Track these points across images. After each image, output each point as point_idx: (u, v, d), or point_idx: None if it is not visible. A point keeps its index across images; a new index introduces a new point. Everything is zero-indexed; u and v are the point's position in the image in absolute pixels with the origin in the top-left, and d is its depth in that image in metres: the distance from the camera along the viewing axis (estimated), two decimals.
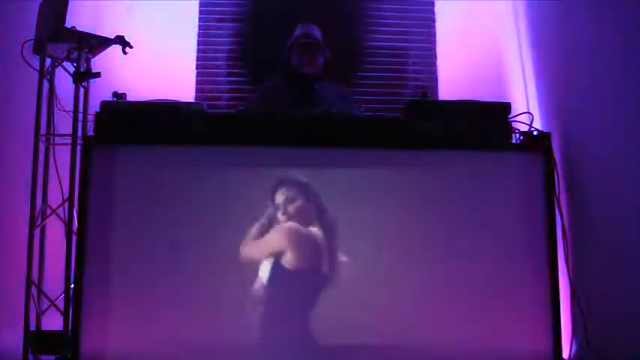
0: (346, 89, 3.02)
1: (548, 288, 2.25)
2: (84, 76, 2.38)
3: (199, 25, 3.40)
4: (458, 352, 2.21)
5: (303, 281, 2.22)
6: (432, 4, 3.51)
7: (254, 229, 2.20)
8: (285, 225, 2.21)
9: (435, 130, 2.30)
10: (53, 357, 2.25)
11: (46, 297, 2.35)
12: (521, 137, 2.37)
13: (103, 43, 2.42)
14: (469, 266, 2.25)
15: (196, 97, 3.29)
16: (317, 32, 2.88)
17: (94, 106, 2.31)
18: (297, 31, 2.88)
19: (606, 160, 2.25)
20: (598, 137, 2.31)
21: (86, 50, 2.39)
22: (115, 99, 2.31)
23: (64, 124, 2.41)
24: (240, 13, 3.44)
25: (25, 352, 2.26)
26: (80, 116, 2.38)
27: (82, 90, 2.42)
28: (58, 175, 2.39)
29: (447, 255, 2.26)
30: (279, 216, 2.22)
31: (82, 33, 2.37)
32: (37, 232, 2.37)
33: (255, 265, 2.20)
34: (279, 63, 2.93)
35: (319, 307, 2.21)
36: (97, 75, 2.41)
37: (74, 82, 2.37)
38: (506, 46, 3.28)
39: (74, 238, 2.24)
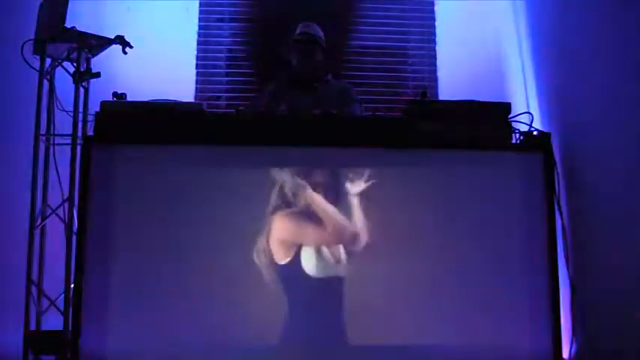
0: (350, 87, 3.03)
1: (548, 288, 2.25)
2: (84, 76, 2.38)
3: (199, 25, 3.40)
4: (458, 352, 2.21)
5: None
6: (432, 4, 3.51)
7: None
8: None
9: (435, 130, 2.30)
10: (53, 357, 2.25)
11: (46, 297, 2.35)
12: (521, 137, 2.37)
13: (103, 43, 2.42)
14: (469, 266, 2.25)
15: (196, 97, 3.29)
16: (317, 31, 2.88)
17: (94, 106, 2.32)
18: (297, 30, 2.89)
19: (606, 160, 2.25)
20: (598, 137, 2.31)
21: (86, 50, 2.39)
22: (115, 99, 2.31)
23: (64, 124, 2.41)
24: (240, 12, 3.44)
25: (25, 352, 2.26)
26: (80, 116, 2.37)
27: (82, 90, 2.42)
28: (58, 175, 2.38)
29: (447, 254, 2.26)
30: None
31: (82, 33, 2.36)
32: (37, 232, 2.37)
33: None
34: (282, 63, 2.94)
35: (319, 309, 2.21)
36: (97, 75, 2.41)
37: (74, 82, 2.37)
38: (507, 46, 3.28)
39: (74, 238, 2.24)
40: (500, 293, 2.25)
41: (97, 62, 2.49)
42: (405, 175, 2.30)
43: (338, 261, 2.23)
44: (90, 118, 2.35)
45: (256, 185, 2.25)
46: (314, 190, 2.25)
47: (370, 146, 2.29)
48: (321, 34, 2.88)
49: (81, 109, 2.40)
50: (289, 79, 2.86)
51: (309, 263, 2.22)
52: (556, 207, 2.31)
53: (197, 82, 3.34)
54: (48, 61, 2.43)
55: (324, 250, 2.23)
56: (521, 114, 2.40)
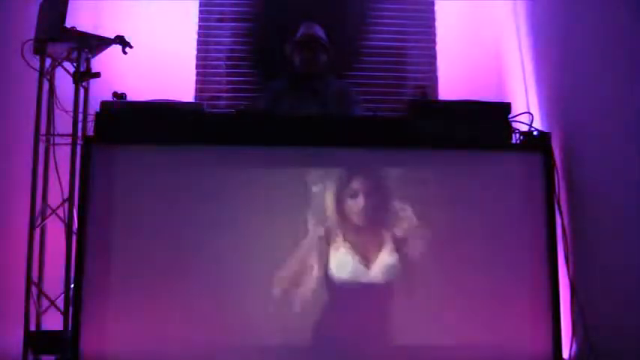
0: (350, 87, 3.03)
1: (548, 288, 2.25)
2: (84, 76, 2.38)
3: (199, 25, 3.40)
4: (458, 352, 2.21)
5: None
6: (432, 4, 3.51)
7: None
8: None
9: (435, 130, 2.30)
10: (53, 357, 2.25)
11: (46, 297, 2.35)
12: (521, 137, 2.37)
13: (103, 43, 2.42)
14: (469, 266, 2.25)
15: (196, 97, 3.29)
16: (320, 31, 2.89)
17: (94, 106, 2.32)
18: (300, 31, 2.89)
19: (606, 160, 2.25)
20: (598, 137, 2.31)
21: (86, 50, 2.39)
22: (115, 99, 2.31)
23: (64, 124, 2.41)
24: (240, 12, 3.44)
25: (25, 352, 2.26)
26: (80, 116, 2.38)
27: (82, 90, 2.42)
28: (58, 175, 2.38)
29: (447, 254, 2.26)
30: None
31: (82, 33, 2.37)
32: (37, 232, 2.37)
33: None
34: (284, 63, 2.94)
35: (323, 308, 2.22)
36: (97, 75, 2.41)
37: (74, 82, 2.37)
38: (507, 46, 3.28)
39: (74, 238, 2.24)
40: (500, 293, 2.25)
41: (97, 62, 2.49)
42: (404, 175, 2.30)
43: (368, 265, 2.23)
44: (90, 118, 2.35)
45: (257, 185, 2.24)
46: (352, 197, 2.24)
47: (370, 146, 2.29)
48: (324, 35, 2.88)
49: (81, 109, 2.40)
50: (291, 80, 2.86)
51: (339, 268, 2.23)
52: (556, 207, 2.31)
53: (197, 82, 3.34)
54: (48, 61, 2.43)
55: (354, 254, 2.23)
56: (521, 114, 2.40)
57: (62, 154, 2.43)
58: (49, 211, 2.43)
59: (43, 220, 2.42)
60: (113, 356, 2.13)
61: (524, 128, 2.39)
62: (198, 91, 3.33)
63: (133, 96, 2.38)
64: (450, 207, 2.28)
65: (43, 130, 2.40)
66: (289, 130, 2.29)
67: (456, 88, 3.25)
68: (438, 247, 2.26)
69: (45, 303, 2.36)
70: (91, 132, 2.29)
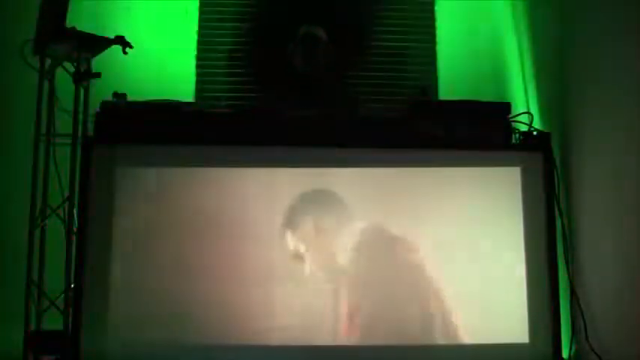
0: (351, 87, 3.03)
1: (548, 288, 2.25)
2: (84, 77, 2.38)
3: (199, 25, 3.40)
4: (457, 352, 2.21)
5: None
6: (432, 4, 3.51)
7: None
8: None
9: (435, 130, 2.30)
10: (53, 357, 2.25)
11: (46, 297, 2.35)
12: (521, 137, 2.37)
13: (103, 43, 2.42)
14: (469, 266, 2.26)
15: (196, 97, 3.29)
16: (321, 33, 2.89)
17: (94, 106, 2.32)
18: (300, 32, 2.90)
19: (606, 160, 2.25)
20: (598, 137, 2.31)
21: (86, 50, 2.39)
22: (115, 99, 2.31)
23: (64, 124, 2.41)
24: (240, 13, 3.44)
25: (25, 352, 2.26)
26: (80, 116, 2.37)
27: (82, 90, 2.41)
28: (58, 175, 2.38)
29: (446, 254, 2.26)
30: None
31: (82, 33, 2.36)
32: (37, 232, 2.37)
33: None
34: (284, 63, 2.94)
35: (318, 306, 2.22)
36: (97, 75, 2.41)
37: (74, 82, 2.37)
38: (506, 46, 3.28)
39: (74, 238, 2.24)
40: (499, 293, 2.25)
41: (97, 62, 2.49)
42: (404, 174, 2.30)
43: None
44: (90, 118, 2.35)
45: (257, 185, 2.25)
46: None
47: (370, 146, 2.29)
48: (324, 35, 2.89)
49: (81, 109, 2.39)
50: (291, 79, 2.87)
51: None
52: (556, 207, 2.31)
53: (197, 82, 3.33)
54: (48, 61, 2.43)
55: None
56: (521, 114, 2.40)
57: (62, 154, 2.43)
58: (48, 211, 2.43)
59: (43, 220, 2.42)
60: (113, 356, 2.13)
61: (524, 128, 2.39)
62: (198, 91, 3.33)
63: (133, 96, 2.38)
64: (449, 207, 2.28)
65: (43, 130, 2.40)
66: (290, 130, 2.29)
67: (456, 88, 3.25)
68: (438, 246, 2.26)
69: (45, 303, 2.36)
70: (91, 132, 2.29)
